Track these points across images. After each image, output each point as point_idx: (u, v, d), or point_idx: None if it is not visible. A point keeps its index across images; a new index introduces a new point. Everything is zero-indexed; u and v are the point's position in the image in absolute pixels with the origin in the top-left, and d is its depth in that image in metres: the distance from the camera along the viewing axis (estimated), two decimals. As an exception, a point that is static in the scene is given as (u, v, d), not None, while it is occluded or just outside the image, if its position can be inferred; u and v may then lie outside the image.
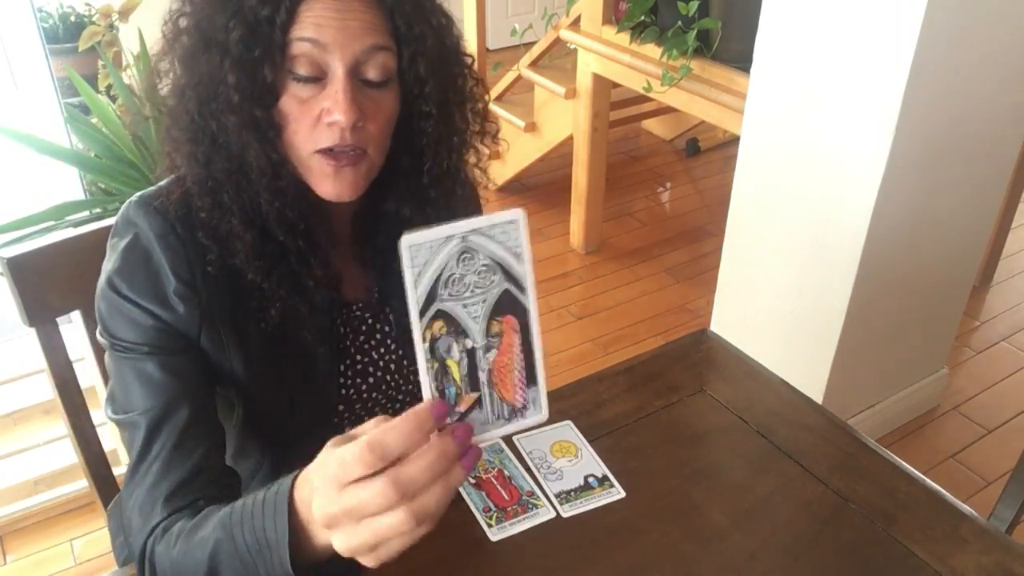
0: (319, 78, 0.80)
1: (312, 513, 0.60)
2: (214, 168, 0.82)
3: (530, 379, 0.59)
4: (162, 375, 0.83)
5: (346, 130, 0.80)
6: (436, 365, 0.57)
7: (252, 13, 0.78)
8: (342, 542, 0.58)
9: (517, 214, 0.57)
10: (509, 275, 0.57)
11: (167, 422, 0.83)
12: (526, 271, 0.58)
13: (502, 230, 0.57)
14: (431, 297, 0.56)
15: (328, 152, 0.82)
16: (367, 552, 0.58)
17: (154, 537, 0.78)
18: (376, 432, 0.55)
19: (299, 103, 0.81)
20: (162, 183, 0.87)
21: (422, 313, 0.56)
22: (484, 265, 0.57)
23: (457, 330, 0.57)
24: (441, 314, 0.57)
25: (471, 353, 0.58)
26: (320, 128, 0.81)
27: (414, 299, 0.56)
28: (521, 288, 0.58)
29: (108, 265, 0.86)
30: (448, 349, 0.57)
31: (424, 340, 0.56)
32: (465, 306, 0.57)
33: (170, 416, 0.83)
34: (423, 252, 0.55)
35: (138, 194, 0.87)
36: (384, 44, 0.81)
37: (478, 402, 0.58)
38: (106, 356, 0.87)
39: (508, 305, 0.58)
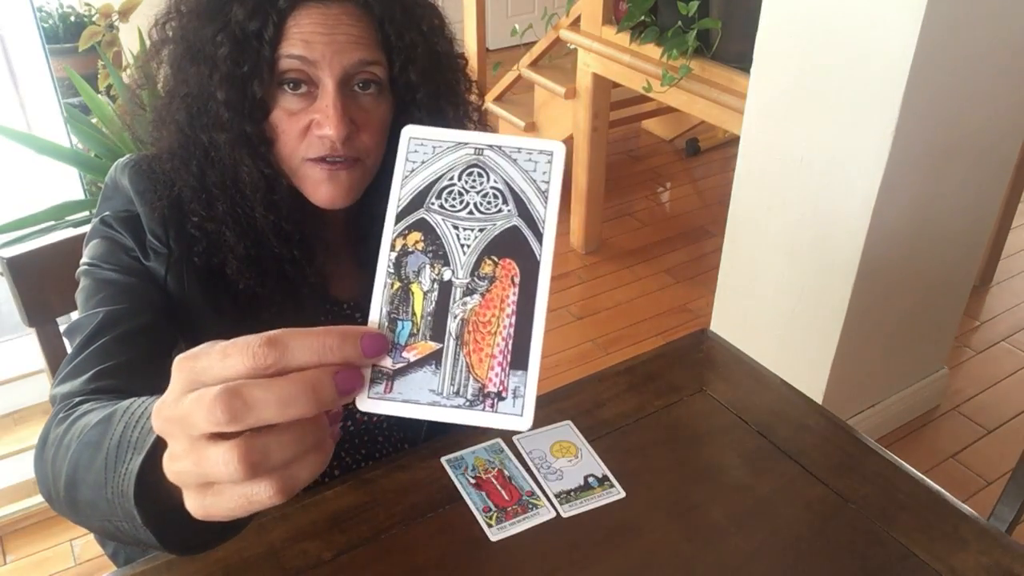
0: (309, 90, 0.80)
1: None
2: (208, 181, 0.83)
3: (518, 360, 0.43)
4: (128, 291, 0.83)
5: (337, 143, 0.80)
6: (397, 285, 0.44)
7: (239, 27, 0.78)
8: (168, 458, 0.44)
9: (554, 146, 0.45)
10: (524, 211, 0.44)
11: (120, 323, 0.80)
12: (548, 213, 0.44)
13: (529, 157, 0.45)
14: (416, 202, 0.45)
15: (320, 159, 0.82)
16: (192, 489, 0.43)
17: (64, 404, 0.70)
18: (286, 331, 0.41)
19: (289, 115, 0.81)
20: (151, 152, 0.88)
21: (400, 216, 0.45)
22: (495, 188, 0.45)
23: (437, 252, 0.44)
24: (422, 225, 0.45)
25: (445, 287, 0.44)
26: (310, 139, 0.81)
27: (396, 196, 0.45)
28: (536, 231, 0.44)
29: (99, 213, 0.88)
30: (418, 271, 0.44)
31: (393, 248, 0.45)
32: (456, 227, 0.45)
33: (125, 319, 0.81)
34: (425, 149, 0.45)
35: (127, 156, 0.89)
36: (373, 59, 0.81)
37: (435, 358, 0.43)
38: (79, 285, 0.87)
39: (513, 247, 0.44)
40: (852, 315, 1.84)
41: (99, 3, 2.77)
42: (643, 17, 2.34)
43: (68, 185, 2.12)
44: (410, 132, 0.45)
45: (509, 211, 0.45)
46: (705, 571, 0.84)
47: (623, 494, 0.89)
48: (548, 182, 0.45)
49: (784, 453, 0.97)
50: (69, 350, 0.81)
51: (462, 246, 0.44)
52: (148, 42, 0.86)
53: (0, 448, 1.94)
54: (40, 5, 2.83)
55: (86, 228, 1.06)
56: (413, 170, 0.45)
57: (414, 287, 0.44)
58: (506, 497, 0.88)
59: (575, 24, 2.63)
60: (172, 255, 0.85)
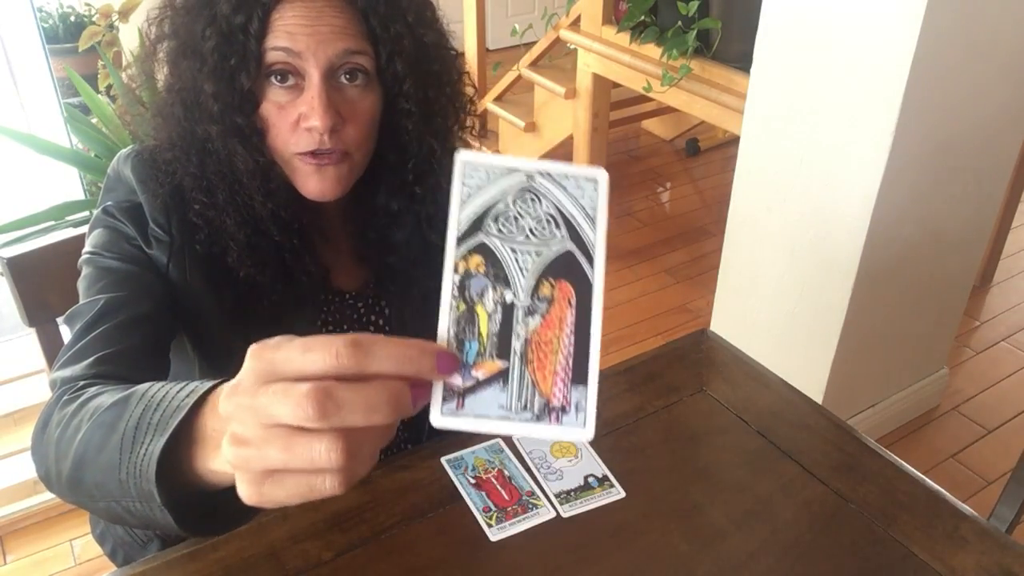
0: (296, 83, 0.81)
1: (220, 406, 0.45)
2: (208, 171, 0.84)
3: (578, 375, 0.46)
4: (129, 280, 0.84)
5: (324, 135, 0.80)
6: (462, 307, 0.46)
7: (226, 22, 0.79)
8: (231, 446, 0.43)
9: (599, 173, 0.48)
10: (576, 236, 0.47)
11: (121, 310, 0.81)
12: (598, 239, 0.47)
13: (576, 184, 0.47)
14: (476, 226, 0.47)
15: (309, 153, 0.82)
16: (253, 474, 0.44)
17: (67, 387, 0.71)
18: (369, 336, 0.42)
19: (278, 108, 0.82)
20: (152, 143, 0.89)
21: (461, 240, 0.46)
22: (548, 214, 0.47)
23: (498, 275, 0.46)
24: (483, 249, 0.47)
25: (508, 310, 0.46)
26: (300, 132, 0.82)
27: (455, 220, 0.46)
28: (588, 256, 0.47)
29: (102, 204, 0.89)
30: (481, 293, 0.46)
31: (456, 271, 0.46)
32: (514, 250, 0.47)
33: (126, 306, 0.81)
34: (479, 174, 0.47)
35: (129, 147, 0.90)
36: (358, 48, 0.81)
37: (502, 377, 0.46)
38: (81, 274, 0.87)
39: (567, 270, 0.47)
40: (852, 315, 1.84)
41: (99, 3, 2.77)
42: (643, 17, 2.34)
43: (68, 185, 2.12)
44: (464, 158, 0.47)
45: (562, 236, 0.47)
46: (705, 571, 0.84)
47: (623, 494, 0.89)
48: (595, 208, 0.47)
49: (784, 453, 0.97)
50: (69, 336, 0.82)
51: (521, 269, 0.47)
52: (145, 39, 0.87)
53: (0, 448, 1.94)
54: (40, 5, 2.83)
55: (86, 228, 1.06)
56: (470, 195, 0.47)
57: (479, 309, 0.46)
58: (506, 497, 0.88)
59: (575, 24, 2.63)
60: (174, 243, 0.86)
